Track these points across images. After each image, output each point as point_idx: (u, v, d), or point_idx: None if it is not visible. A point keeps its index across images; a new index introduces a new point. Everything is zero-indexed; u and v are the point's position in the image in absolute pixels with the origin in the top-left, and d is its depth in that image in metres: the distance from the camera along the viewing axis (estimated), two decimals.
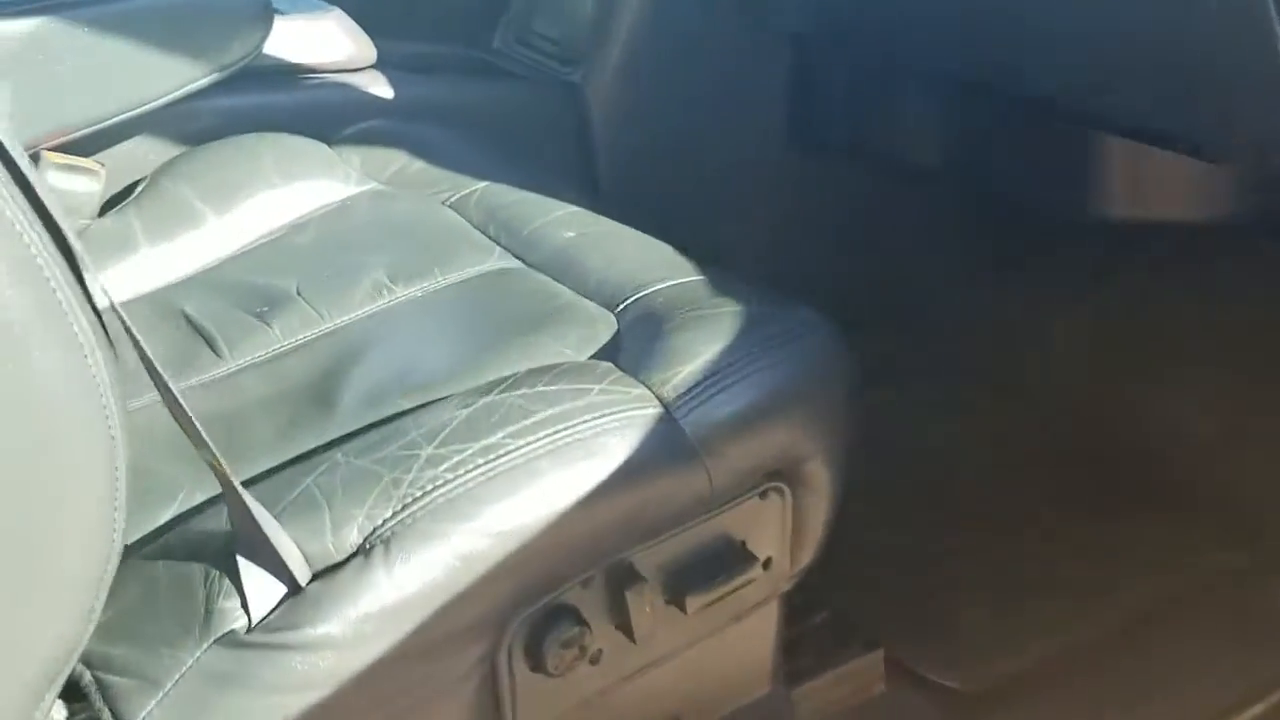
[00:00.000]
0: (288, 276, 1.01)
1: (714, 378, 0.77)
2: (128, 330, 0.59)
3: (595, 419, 0.72)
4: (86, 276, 0.55)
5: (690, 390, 0.76)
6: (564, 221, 1.06)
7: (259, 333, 0.94)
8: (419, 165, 1.18)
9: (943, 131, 1.52)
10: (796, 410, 0.80)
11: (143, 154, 1.14)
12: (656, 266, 0.97)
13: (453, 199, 1.13)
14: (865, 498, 0.95)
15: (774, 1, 1.44)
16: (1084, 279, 1.58)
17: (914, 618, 1.21)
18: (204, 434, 0.61)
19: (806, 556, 0.89)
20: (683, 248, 1.03)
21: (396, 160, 1.19)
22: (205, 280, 1.04)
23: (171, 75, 1.06)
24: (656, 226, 1.35)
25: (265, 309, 0.97)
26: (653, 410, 0.75)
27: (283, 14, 1.31)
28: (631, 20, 1.43)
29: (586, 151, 1.45)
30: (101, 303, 0.57)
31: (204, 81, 1.07)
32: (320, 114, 1.26)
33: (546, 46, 1.55)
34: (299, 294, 0.98)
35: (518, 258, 1.03)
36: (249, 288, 1.00)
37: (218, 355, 0.93)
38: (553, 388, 0.75)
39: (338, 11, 1.32)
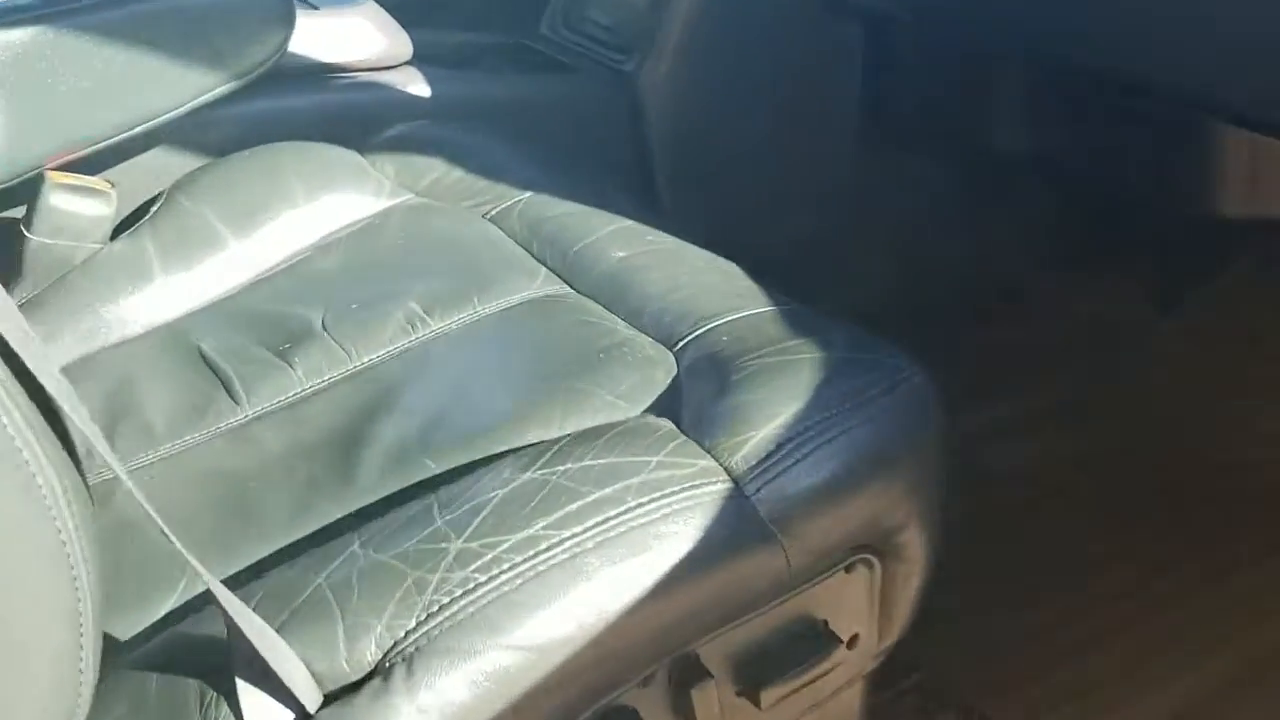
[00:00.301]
0: (313, 306, 0.92)
1: (791, 444, 0.66)
2: (71, 415, 0.49)
3: (653, 502, 0.62)
4: (29, 360, 0.46)
5: (764, 461, 0.65)
6: (616, 238, 0.95)
7: (280, 374, 0.85)
8: (458, 174, 1.08)
9: (1035, 120, 1.38)
10: (886, 476, 0.69)
11: (157, 169, 1.05)
12: (721, 294, 0.86)
13: (494, 211, 1.02)
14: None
15: None
16: (1187, 278, 1.44)
17: (1006, 675, 1.09)
18: (177, 541, 0.52)
19: (897, 630, 0.78)
20: (753, 268, 0.92)
21: (434, 168, 1.08)
22: (224, 310, 0.95)
23: (185, 85, 0.96)
24: (718, 225, 1.24)
25: (287, 346, 0.88)
26: (720, 486, 0.64)
27: (309, 9, 1.21)
28: (691, 1, 1.31)
29: (640, 146, 1.34)
30: (50, 384, 0.48)
31: (221, 90, 0.98)
32: (351, 118, 1.16)
33: (598, 32, 1.43)
34: (324, 328, 0.89)
35: (565, 280, 0.92)
36: (271, 320, 0.91)
37: (235, 401, 0.84)
38: (603, 460, 0.64)
39: (370, 3, 1.22)
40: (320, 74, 1.16)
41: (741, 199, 1.39)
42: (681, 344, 0.80)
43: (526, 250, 0.97)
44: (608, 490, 0.62)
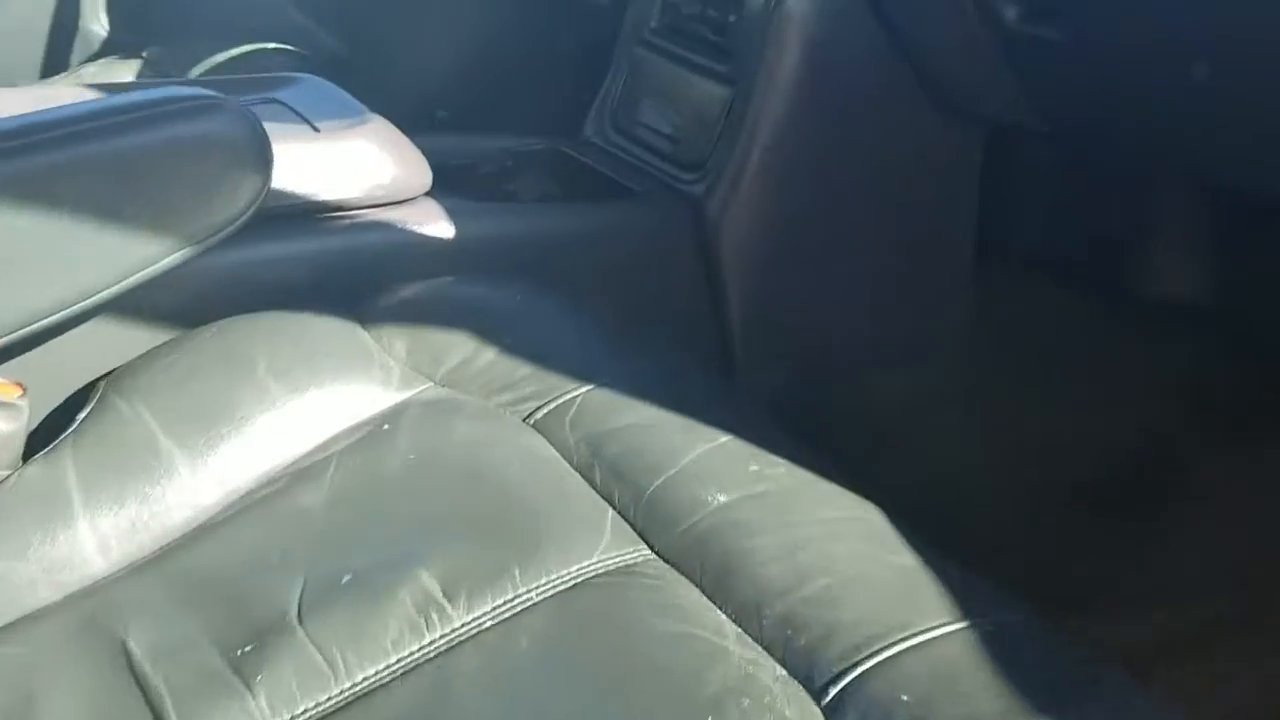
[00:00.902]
0: (287, 576, 0.65)
1: None
2: None
3: None
4: None
5: None
6: (710, 468, 0.69)
7: (232, 703, 0.58)
8: (489, 355, 0.81)
9: (1194, 253, 1.12)
10: None
11: (86, 357, 0.78)
12: (880, 584, 0.59)
13: (539, 413, 0.76)
14: None
15: (971, 84, 1.05)
16: None
17: None
18: None
19: None
20: (900, 507, 0.65)
21: (458, 347, 0.82)
22: (166, 574, 0.68)
23: (126, 255, 0.71)
24: (803, 381, 0.99)
25: (247, 648, 0.61)
26: None
27: (306, 129, 0.96)
28: (777, 107, 1.05)
29: (710, 287, 1.08)
30: None
31: (172, 260, 0.72)
32: (351, 271, 0.90)
33: (657, 142, 1.17)
34: (299, 619, 0.62)
35: (642, 537, 0.66)
36: (227, 598, 0.64)
37: None
38: None
39: (378, 121, 0.96)
40: (312, 215, 0.90)
41: (835, 350, 1.12)
42: (833, 693, 0.53)
43: (586, 479, 0.70)
44: None
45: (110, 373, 0.78)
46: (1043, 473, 1.14)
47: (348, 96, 1.04)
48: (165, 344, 0.80)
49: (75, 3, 1.67)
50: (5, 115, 0.87)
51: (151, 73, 1.57)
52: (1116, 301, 1.23)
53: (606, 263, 1.03)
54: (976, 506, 1.07)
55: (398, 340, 0.83)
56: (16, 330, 0.70)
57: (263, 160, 0.74)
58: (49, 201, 0.68)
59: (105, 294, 0.72)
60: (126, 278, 0.72)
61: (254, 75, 1.08)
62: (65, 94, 1.03)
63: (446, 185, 1.03)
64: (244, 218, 0.74)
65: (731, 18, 1.10)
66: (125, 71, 1.57)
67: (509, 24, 1.83)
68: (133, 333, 0.82)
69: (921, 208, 1.14)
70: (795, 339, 1.10)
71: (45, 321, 0.71)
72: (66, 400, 0.78)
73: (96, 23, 1.70)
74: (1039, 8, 0.92)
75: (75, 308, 0.71)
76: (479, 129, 1.62)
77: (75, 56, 1.69)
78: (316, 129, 0.96)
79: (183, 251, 0.73)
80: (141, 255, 0.72)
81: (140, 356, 0.78)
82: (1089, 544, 1.10)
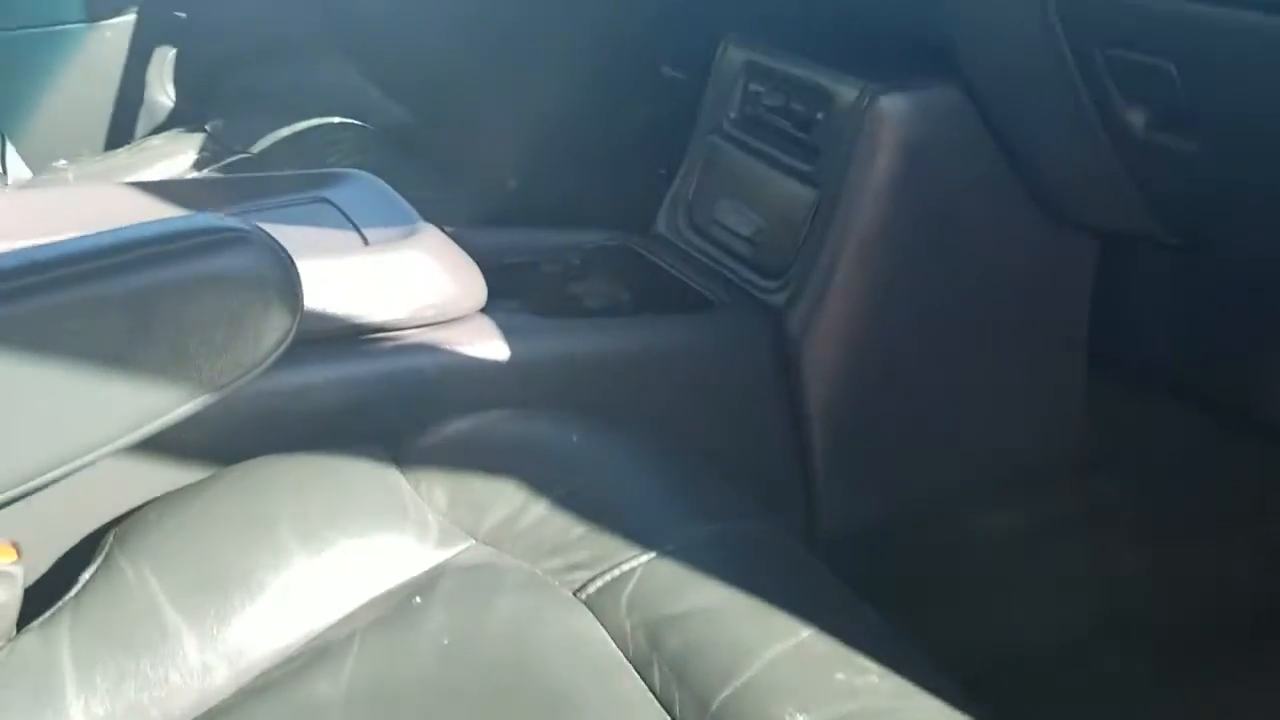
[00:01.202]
0: None
1: None
2: None
3: None
4: None
5: None
6: (790, 674, 0.59)
7: None
8: (540, 509, 0.72)
9: None
10: None
11: (93, 500, 0.71)
12: None
13: (592, 586, 0.66)
14: None
15: (1088, 194, 0.94)
16: None
17: None
18: None
19: None
20: None
21: (504, 498, 0.73)
22: None
23: (134, 408, 0.63)
24: (894, 518, 0.89)
25: None
26: None
27: (355, 237, 0.88)
28: (868, 213, 0.95)
29: (795, 414, 0.98)
30: None
31: (187, 410, 0.64)
32: (393, 403, 0.82)
33: (735, 244, 1.08)
34: None
35: None
36: None
37: None
38: None
39: (430, 232, 0.88)
40: (352, 337, 0.82)
41: (931, 481, 1.01)
42: None
43: (643, 677, 0.61)
44: None
45: (119, 520, 0.70)
46: (1184, 614, 1.02)
47: (399, 199, 0.96)
48: (180, 492, 0.72)
49: (142, 73, 1.64)
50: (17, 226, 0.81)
51: (214, 146, 1.53)
52: (1239, 420, 1.10)
53: (675, 384, 0.94)
54: (1105, 660, 0.95)
55: (438, 488, 0.74)
56: (11, 490, 0.63)
57: (292, 298, 0.66)
58: (51, 348, 0.61)
59: (111, 448, 0.64)
60: (137, 429, 0.64)
61: (305, 172, 1.01)
62: (95, 193, 0.97)
63: (506, 290, 0.95)
64: (269, 361, 0.66)
65: (819, 114, 1.00)
66: (189, 145, 1.53)
67: (582, 94, 1.76)
68: (146, 472, 0.74)
69: (1028, 321, 1.03)
70: (886, 469, 0.99)
71: (44, 479, 0.63)
72: (70, 550, 0.71)
73: (163, 94, 1.66)
74: (1172, 116, 0.81)
75: (78, 461, 0.64)
76: (545, 210, 1.56)
77: (140, 127, 1.65)
78: (364, 237, 0.89)
79: (200, 399, 0.65)
80: (154, 405, 0.64)
81: (152, 505, 0.71)
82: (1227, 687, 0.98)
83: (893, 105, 0.93)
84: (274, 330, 0.66)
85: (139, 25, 1.62)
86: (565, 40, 1.70)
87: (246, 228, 0.65)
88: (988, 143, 0.96)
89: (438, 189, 1.57)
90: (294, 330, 0.66)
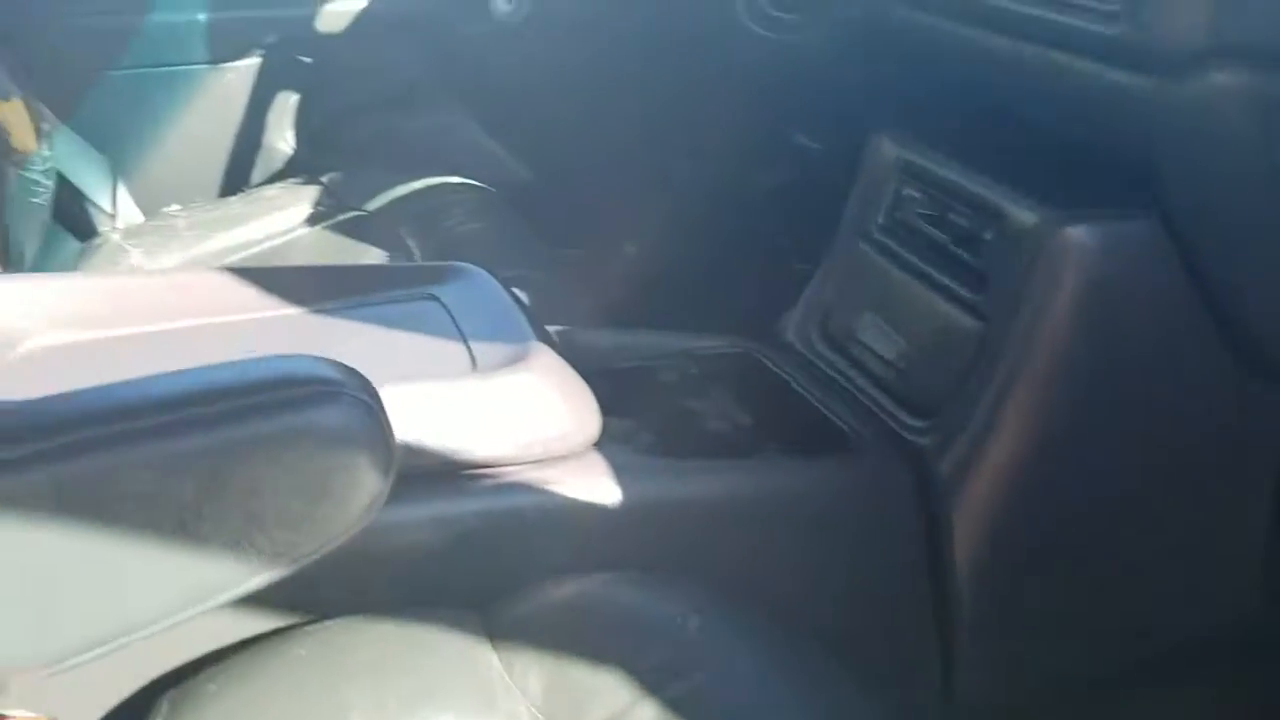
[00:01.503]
0: None
1: None
2: None
3: None
4: None
5: None
6: None
7: None
8: (648, 714, 0.62)
9: None
10: None
11: (146, 660, 0.63)
12: None
13: None
14: None
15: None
16: None
17: None
18: None
19: None
20: None
21: (608, 692, 0.63)
22: None
23: (200, 579, 0.55)
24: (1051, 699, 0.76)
25: None
26: None
27: (455, 360, 0.80)
28: (1042, 356, 0.83)
29: (937, 576, 0.86)
30: None
31: (255, 584, 0.56)
32: (487, 547, 0.73)
33: (876, 368, 0.97)
34: None
35: None
36: None
37: None
38: None
39: (542, 353, 0.79)
40: (451, 474, 0.73)
41: (1088, 662, 0.88)
42: None
43: None
44: None
45: (175, 673, 0.62)
46: None
47: (511, 302, 0.88)
48: (247, 655, 0.64)
49: (262, 119, 1.60)
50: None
51: (329, 200, 1.47)
52: None
53: (804, 536, 0.83)
54: None
55: (533, 672, 0.65)
56: (54, 665, 0.55)
57: (384, 458, 0.57)
58: (113, 512, 0.53)
59: (172, 621, 0.56)
60: (201, 604, 0.56)
61: (415, 265, 0.93)
62: (197, 281, 0.91)
63: (618, 405, 0.84)
64: (356, 528, 0.58)
65: (987, 234, 0.89)
66: (304, 197, 1.48)
67: (709, 155, 1.67)
68: (208, 619, 0.66)
69: (1210, 484, 0.90)
70: (1038, 644, 0.87)
71: (92, 654, 0.56)
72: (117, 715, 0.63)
73: (282, 140, 1.61)
74: None
75: (130, 637, 0.56)
76: (661, 279, 1.47)
77: (257, 174, 1.61)
78: (472, 354, 0.80)
79: (274, 572, 0.57)
80: (223, 578, 0.56)
81: (213, 673, 0.63)
82: None
83: (1080, 238, 0.81)
84: (363, 494, 0.57)
85: (263, 69, 1.58)
86: (696, 100, 1.61)
87: (338, 376, 0.57)
88: (1183, 284, 0.83)
89: (553, 248, 1.49)
90: (385, 494, 0.58)
